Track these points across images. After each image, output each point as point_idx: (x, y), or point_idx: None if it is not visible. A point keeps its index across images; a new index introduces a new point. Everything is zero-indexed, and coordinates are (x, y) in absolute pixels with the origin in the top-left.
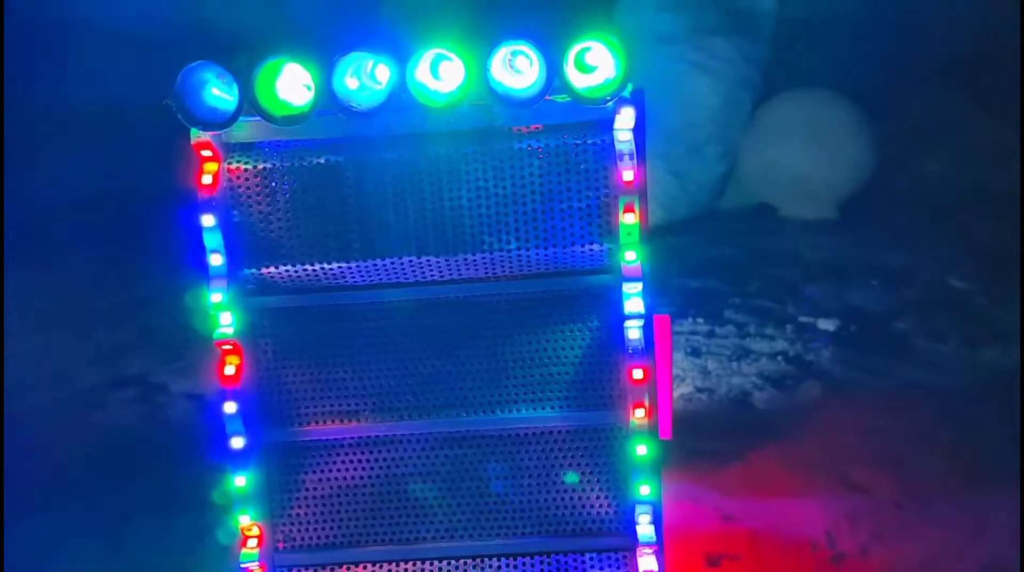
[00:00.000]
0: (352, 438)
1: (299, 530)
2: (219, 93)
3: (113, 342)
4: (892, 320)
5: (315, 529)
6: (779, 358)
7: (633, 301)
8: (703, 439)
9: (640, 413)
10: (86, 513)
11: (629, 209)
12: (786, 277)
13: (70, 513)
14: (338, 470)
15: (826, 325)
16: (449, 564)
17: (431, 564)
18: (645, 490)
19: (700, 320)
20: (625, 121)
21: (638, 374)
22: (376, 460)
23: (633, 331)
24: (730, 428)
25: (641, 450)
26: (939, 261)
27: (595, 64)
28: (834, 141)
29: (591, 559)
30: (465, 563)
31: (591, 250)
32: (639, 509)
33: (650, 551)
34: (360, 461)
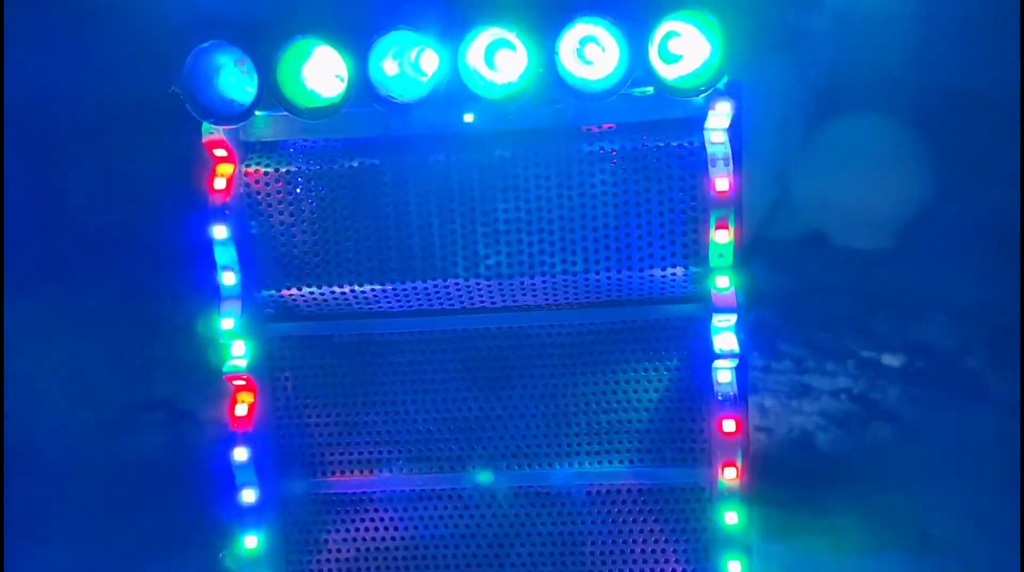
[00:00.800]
0: (383, 492)
1: None
2: (236, 81)
3: (141, 363)
4: (963, 357)
5: None
6: (842, 396)
7: (724, 337)
8: (767, 485)
9: (731, 473)
10: (100, 547)
11: (722, 225)
12: (845, 309)
13: (85, 545)
14: (366, 529)
15: (891, 361)
16: None
17: None
18: (734, 567)
19: (754, 354)
20: (719, 119)
21: (729, 426)
22: (411, 519)
23: (724, 373)
24: (795, 473)
25: (731, 518)
26: (1009, 294)
27: (680, 53)
28: (891, 167)
29: None
30: None
31: (673, 275)
32: None
33: None
34: (392, 519)
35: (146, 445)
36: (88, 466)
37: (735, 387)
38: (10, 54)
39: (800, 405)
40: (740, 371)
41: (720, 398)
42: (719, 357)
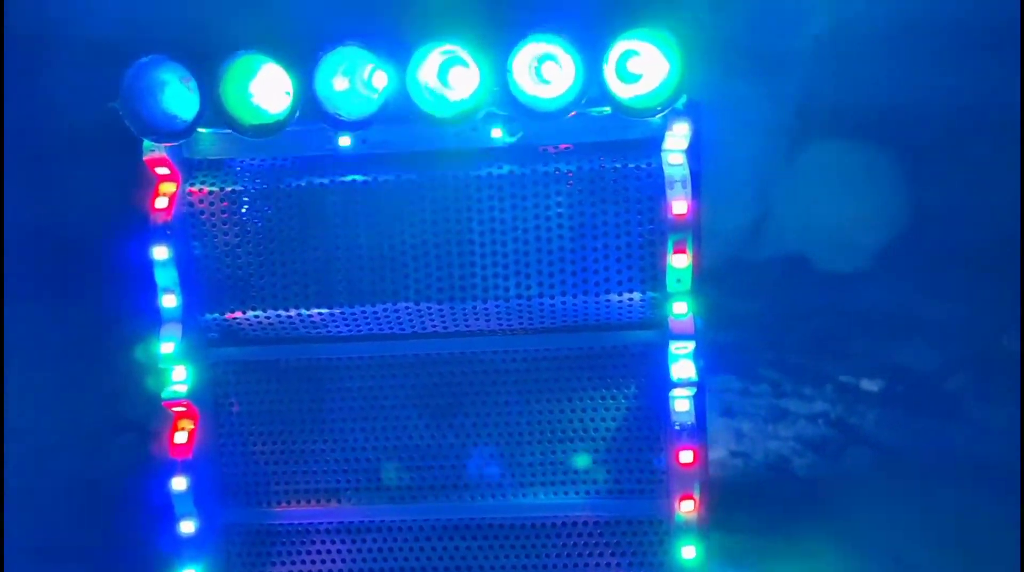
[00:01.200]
0: (331, 523)
1: None
2: (182, 98)
3: (116, 383)
4: (943, 381)
5: None
6: (819, 421)
7: (682, 364)
8: (740, 511)
9: (688, 506)
10: (68, 566)
11: (680, 249)
12: (824, 332)
13: (53, 564)
14: (312, 562)
15: (870, 386)
16: None
17: None
18: None
19: (732, 377)
20: (677, 140)
21: (687, 457)
22: (359, 551)
23: (681, 402)
24: (770, 499)
25: (688, 552)
26: (990, 318)
27: (639, 72)
28: (871, 190)
29: None
30: None
31: (630, 300)
32: None
33: None
34: (340, 552)
35: (116, 468)
36: (56, 487)
37: (693, 416)
38: None
39: (776, 430)
40: (699, 399)
41: (677, 428)
42: (676, 385)
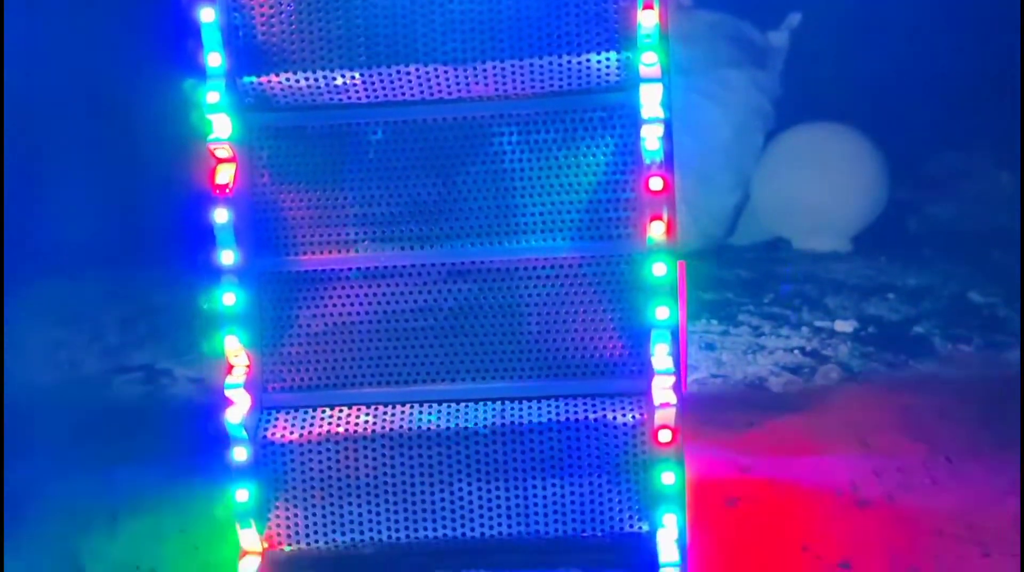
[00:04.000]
0: (350, 269)
1: (290, 370)
2: None
3: (122, 341)
4: (911, 325)
5: (307, 369)
6: (795, 351)
7: (651, 106)
8: (719, 412)
9: (658, 227)
10: (83, 459)
11: (648, 5)
12: (801, 291)
13: (69, 460)
14: (334, 305)
15: (844, 326)
16: (448, 407)
17: (428, 407)
18: (662, 312)
19: (714, 322)
20: None
21: (656, 184)
22: (374, 294)
23: (651, 141)
24: (747, 405)
25: (659, 269)
26: (957, 280)
27: None
28: (848, 174)
29: (602, 402)
30: (465, 406)
31: (607, 62)
32: (656, 335)
33: (667, 383)
34: (358, 296)
35: (125, 395)
36: (69, 410)
37: (663, 151)
38: None
39: (755, 358)
40: (667, 138)
41: (648, 162)
42: (647, 123)
